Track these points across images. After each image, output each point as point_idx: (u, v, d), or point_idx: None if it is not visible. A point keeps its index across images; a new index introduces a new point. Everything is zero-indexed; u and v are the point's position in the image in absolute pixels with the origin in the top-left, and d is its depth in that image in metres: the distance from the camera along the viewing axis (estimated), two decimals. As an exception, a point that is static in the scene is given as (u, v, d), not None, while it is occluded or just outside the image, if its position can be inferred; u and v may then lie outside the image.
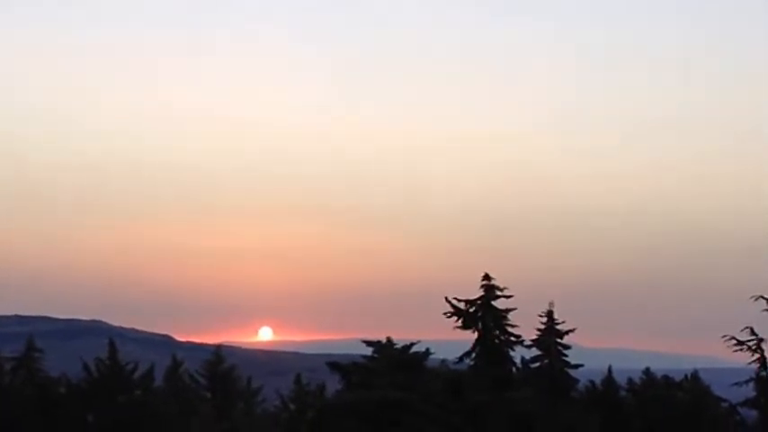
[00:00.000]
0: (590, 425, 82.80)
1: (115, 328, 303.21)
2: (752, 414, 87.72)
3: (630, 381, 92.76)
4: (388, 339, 79.49)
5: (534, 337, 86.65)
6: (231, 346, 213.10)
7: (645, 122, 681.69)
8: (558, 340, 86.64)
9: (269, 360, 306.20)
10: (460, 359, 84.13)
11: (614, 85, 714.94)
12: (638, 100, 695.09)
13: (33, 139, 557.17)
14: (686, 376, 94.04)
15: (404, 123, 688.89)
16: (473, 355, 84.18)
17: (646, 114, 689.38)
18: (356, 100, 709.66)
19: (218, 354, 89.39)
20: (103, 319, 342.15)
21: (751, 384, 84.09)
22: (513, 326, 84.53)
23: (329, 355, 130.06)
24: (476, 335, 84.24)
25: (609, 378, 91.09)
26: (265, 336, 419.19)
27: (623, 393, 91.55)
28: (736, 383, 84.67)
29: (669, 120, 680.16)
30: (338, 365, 79.67)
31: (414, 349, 79.82)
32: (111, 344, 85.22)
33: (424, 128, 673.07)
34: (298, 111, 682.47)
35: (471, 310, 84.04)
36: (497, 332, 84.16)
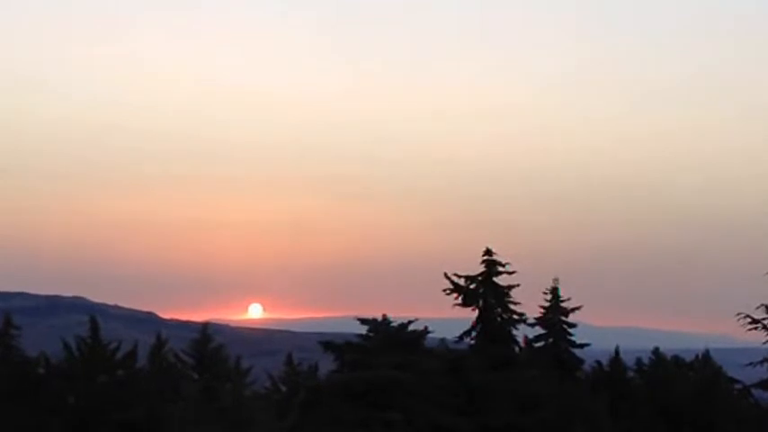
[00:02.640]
0: (596, 407, 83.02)
1: (97, 304, 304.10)
2: (766, 396, 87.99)
3: (639, 361, 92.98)
4: (384, 317, 79.53)
5: (538, 315, 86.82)
6: (219, 324, 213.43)
7: (655, 89, 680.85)
8: (564, 318, 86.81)
9: (259, 339, 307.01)
10: (460, 338, 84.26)
11: (622, 50, 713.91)
12: (647, 65, 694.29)
13: (3, 107, 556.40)
14: (697, 356, 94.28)
15: (403, 92, 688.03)
16: (474, 333, 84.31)
17: (656, 81, 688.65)
18: (351, 66, 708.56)
19: (205, 332, 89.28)
20: (85, 296, 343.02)
21: (765, 365, 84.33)
22: (515, 303, 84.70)
23: (322, 334, 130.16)
24: (476, 313, 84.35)
25: (616, 358, 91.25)
26: (255, 313, 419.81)
27: (631, 374, 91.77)
28: (749, 364, 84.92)
29: (682, 86, 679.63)
30: (332, 344, 79.74)
31: (411, 327, 79.87)
32: (93, 321, 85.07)
33: (423, 97, 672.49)
34: (291, 76, 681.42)
35: (472, 286, 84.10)
36: (499, 310, 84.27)
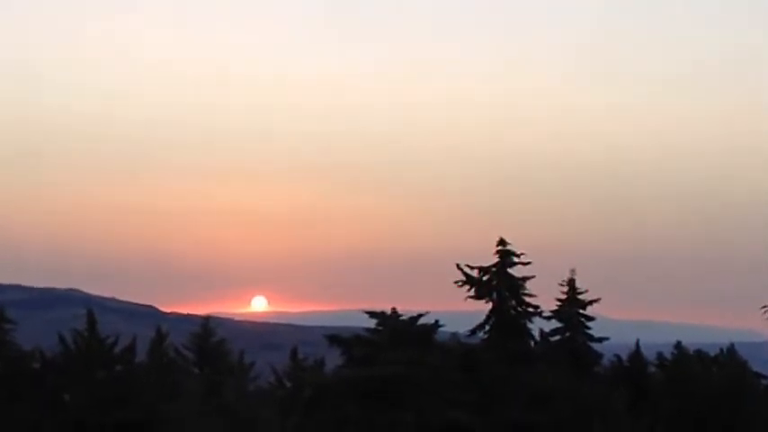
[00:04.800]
0: (615, 403, 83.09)
1: (94, 297, 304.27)
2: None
3: (660, 355, 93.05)
4: (394, 310, 79.67)
5: (554, 307, 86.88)
6: (221, 318, 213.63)
7: (674, 77, 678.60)
8: (581, 311, 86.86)
9: (263, 333, 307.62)
10: (473, 332, 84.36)
11: (644, 35, 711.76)
12: (668, 52, 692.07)
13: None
14: (722, 350, 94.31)
15: (409, 76, 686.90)
16: (487, 327, 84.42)
17: (675, 68, 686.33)
18: (361, 52, 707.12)
19: (206, 326, 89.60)
20: (81, 288, 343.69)
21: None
22: (530, 295, 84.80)
23: (328, 328, 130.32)
24: (490, 305, 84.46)
25: (636, 352, 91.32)
26: (259, 306, 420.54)
27: (652, 369, 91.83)
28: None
29: (702, 74, 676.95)
30: (338, 339, 79.90)
31: (422, 321, 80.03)
32: (90, 314, 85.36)
33: (433, 81, 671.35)
34: (296, 63, 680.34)
35: (485, 278, 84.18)
36: (514, 302, 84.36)
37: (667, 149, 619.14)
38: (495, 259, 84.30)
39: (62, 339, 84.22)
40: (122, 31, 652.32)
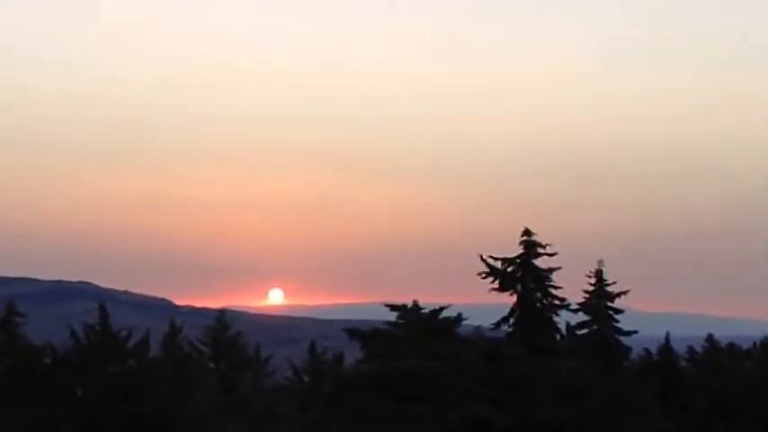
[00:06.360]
0: (645, 399, 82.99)
1: (106, 290, 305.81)
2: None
3: (691, 349, 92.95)
4: (415, 303, 79.66)
5: (581, 300, 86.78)
6: (237, 311, 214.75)
7: (708, 60, 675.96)
8: (609, 304, 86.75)
9: (280, 326, 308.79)
10: (497, 325, 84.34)
11: (674, 21, 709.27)
12: (710, 33, 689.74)
13: (5, 84, 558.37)
14: (755, 344, 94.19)
15: (432, 61, 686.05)
16: (511, 320, 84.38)
17: (709, 53, 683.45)
18: (380, 38, 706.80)
19: (222, 319, 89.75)
20: (92, 281, 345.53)
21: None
22: (557, 287, 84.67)
23: (348, 321, 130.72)
24: (515, 298, 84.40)
25: (666, 346, 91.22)
26: (276, 299, 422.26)
27: (683, 363, 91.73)
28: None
29: (742, 55, 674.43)
30: (358, 332, 79.94)
31: (444, 314, 80.00)
32: (102, 308, 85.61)
33: (456, 67, 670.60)
34: (315, 49, 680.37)
35: (509, 269, 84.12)
36: (539, 295, 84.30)
37: (698, 137, 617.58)
38: (520, 250, 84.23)
39: (74, 333, 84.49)
40: (133, 15, 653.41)
